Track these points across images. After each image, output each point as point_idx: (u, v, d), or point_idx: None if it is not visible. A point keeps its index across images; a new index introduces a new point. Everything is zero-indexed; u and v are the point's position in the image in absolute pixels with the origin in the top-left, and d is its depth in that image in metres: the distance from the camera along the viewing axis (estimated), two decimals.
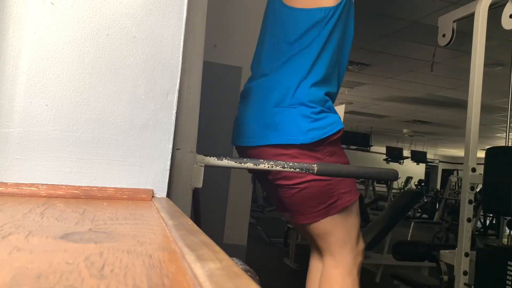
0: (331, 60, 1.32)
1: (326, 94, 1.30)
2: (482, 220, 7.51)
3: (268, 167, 1.13)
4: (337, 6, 1.28)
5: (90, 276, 0.30)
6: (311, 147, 1.24)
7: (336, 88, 1.38)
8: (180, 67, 0.80)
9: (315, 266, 1.51)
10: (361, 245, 1.41)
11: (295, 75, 1.28)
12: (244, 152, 1.37)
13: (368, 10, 3.99)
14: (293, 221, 1.49)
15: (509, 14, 2.24)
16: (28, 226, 0.45)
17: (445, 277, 2.64)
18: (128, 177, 0.77)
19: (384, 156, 12.43)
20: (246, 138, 1.34)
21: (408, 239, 4.93)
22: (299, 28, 1.30)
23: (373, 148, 13.83)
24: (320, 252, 1.49)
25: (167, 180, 0.79)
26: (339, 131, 1.28)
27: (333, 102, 1.35)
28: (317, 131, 1.24)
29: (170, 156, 0.79)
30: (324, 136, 1.25)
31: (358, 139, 11.51)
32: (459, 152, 15.44)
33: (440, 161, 18.19)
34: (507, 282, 2.08)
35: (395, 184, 11.14)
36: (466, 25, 2.59)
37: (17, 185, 0.70)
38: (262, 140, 1.28)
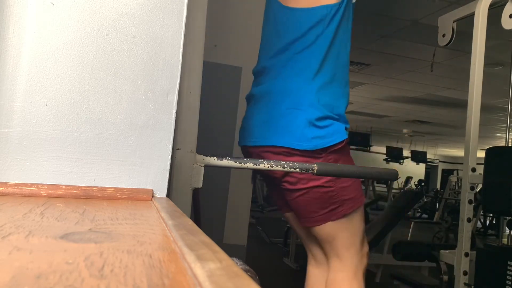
0: (339, 60, 1.31)
1: (336, 95, 1.29)
2: (482, 220, 7.51)
3: (268, 167, 1.13)
4: (340, 3, 1.27)
5: (90, 276, 0.30)
6: (314, 154, 1.24)
7: (347, 88, 1.37)
8: (180, 67, 0.80)
9: (313, 273, 1.52)
10: (366, 248, 1.41)
11: (301, 76, 1.27)
12: (247, 152, 1.37)
13: (368, 10, 3.99)
14: (296, 223, 1.49)
15: (509, 14, 2.24)
16: (28, 226, 0.45)
17: (445, 277, 2.64)
18: (128, 177, 0.77)
19: (384, 156, 12.43)
20: (251, 138, 1.34)
21: (408, 239, 4.93)
22: (301, 26, 1.28)
23: (373, 148, 13.83)
24: (316, 259, 1.49)
25: (167, 180, 0.79)
26: (341, 141, 1.27)
27: (346, 103, 1.34)
28: (320, 140, 1.24)
29: (170, 156, 0.79)
30: (326, 146, 1.24)
31: (358, 139, 11.50)
32: (459, 152, 15.44)
33: (440, 161, 18.19)
34: (507, 282, 2.08)
35: (395, 184, 11.14)
36: (466, 25, 2.59)
37: (17, 185, 0.70)
38: (265, 140, 1.28)
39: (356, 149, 11.98)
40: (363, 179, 8.45)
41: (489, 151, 2.30)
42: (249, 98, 1.42)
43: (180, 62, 0.80)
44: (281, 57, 1.32)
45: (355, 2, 1.37)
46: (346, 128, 1.31)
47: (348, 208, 1.32)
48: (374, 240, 3.71)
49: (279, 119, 1.27)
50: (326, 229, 1.34)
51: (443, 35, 2.62)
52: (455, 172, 11.60)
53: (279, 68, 1.31)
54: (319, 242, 1.44)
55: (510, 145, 2.63)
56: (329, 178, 1.27)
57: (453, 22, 2.57)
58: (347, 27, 1.34)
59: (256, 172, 1.62)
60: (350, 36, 1.37)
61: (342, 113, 1.31)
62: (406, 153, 12.88)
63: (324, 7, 1.26)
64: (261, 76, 1.38)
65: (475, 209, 5.22)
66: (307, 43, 1.27)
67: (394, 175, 1.28)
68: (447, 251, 2.44)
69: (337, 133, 1.26)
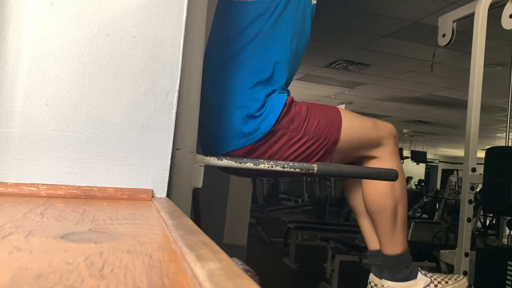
0: (280, 56, 1.27)
1: (274, 90, 1.25)
2: (482, 220, 7.50)
3: (268, 167, 1.13)
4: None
5: (90, 276, 0.30)
6: (270, 133, 1.22)
7: (285, 84, 1.32)
8: (180, 67, 0.80)
9: (365, 225, 1.48)
10: (386, 125, 1.37)
11: (239, 74, 1.24)
12: None
13: (368, 10, 3.99)
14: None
15: (509, 14, 2.24)
16: (28, 226, 0.45)
17: None
18: (128, 177, 0.77)
19: None
20: (209, 149, 1.29)
21: (408, 239, 4.93)
22: (242, 21, 1.25)
23: None
24: (361, 213, 1.46)
25: (167, 180, 0.79)
26: (283, 108, 1.22)
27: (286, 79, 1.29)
28: (262, 123, 1.20)
29: (170, 156, 0.79)
30: (271, 126, 1.21)
31: None
32: (459, 152, 15.44)
33: (440, 161, 18.18)
34: (507, 282, 2.08)
35: None
36: (466, 25, 2.59)
37: (17, 185, 0.70)
38: (221, 149, 1.24)
39: None
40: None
41: (489, 151, 2.30)
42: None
43: (180, 62, 0.80)
44: (221, 55, 1.29)
45: (315, 3, 1.34)
46: (284, 91, 1.27)
47: (335, 136, 1.28)
48: None
49: (225, 122, 1.23)
50: (341, 146, 1.29)
51: (443, 35, 2.63)
52: (455, 172, 11.59)
53: (219, 68, 1.28)
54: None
55: (510, 145, 2.63)
56: (294, 131, 1.24)
57: (453, 22, 2.57)
58: (293, 24, 1.29)
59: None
60: (298, 33, 1.32)
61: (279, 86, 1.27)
62: (406, 153, 12.87)
63: (263, 1, 1.24)
64: (206, 78, 1.34)
65: (475, 209, 5.22)
66: (247, 39, 1.25)
67: (394, 175, 1.27)
68: (447, 251, 2.44)
69: (274, 106, 1.22)
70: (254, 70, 1.24)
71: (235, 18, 1.28)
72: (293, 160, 1.26)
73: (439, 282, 1.35)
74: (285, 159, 1.25)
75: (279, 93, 1.25)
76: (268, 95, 1.24)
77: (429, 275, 1.36)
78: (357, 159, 1.39)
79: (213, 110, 1.27)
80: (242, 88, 1.24)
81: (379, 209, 1.34)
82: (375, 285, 1.39)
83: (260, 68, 1.25)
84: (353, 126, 1.33)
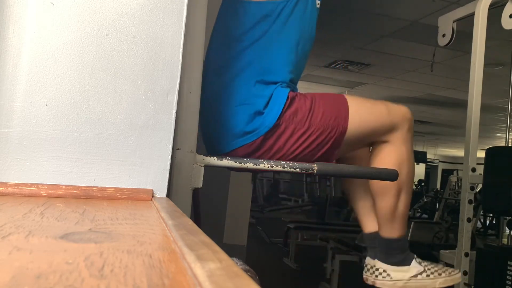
0: (285, 57, 1.27)
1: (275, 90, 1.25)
2: (482, 220, 7.50)
3: (268, 167, 1.13)
4: (287, 0, 1.24)
5: (90, 276, 0.30)
6: (275, 128, 1.22)
7: (289, 83, 1.31)
8: (180, 67, 0.80)
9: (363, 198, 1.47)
10: (401, 108, 1.33)
11: (245, 73, 1.24)
12: None
13: (368, 10, 3.99)
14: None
15: (509, 14, 2.24)
16: (28, 226, 0.45)
17: None
18: (128, 177, 0.77)
19: None
20: (215, 148, 1.29)
21: (408, 239, 4.93)
22: (249, 21, 1.25)
23: None
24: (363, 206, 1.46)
25: (167, 180, 0.79)
26: (285, 103, 1.22)
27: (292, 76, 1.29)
28: (265, 119, 1.20)
29: (170, 156, 0.79)
30: (275, 121, 1.20)
31: None
32: (459, 152, 15.44)
33: (440, 161, 18.17)
34: (507, 282, 2.08)
35: None
36: (466, 25, 2.59)
37: (17, 185, 0.70)
38: (227, 147, 1.24)
39: None
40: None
41: (489, 151, 2.30)
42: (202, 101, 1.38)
43: (180, 62, 0.80)
44: (226, 54, 1.28)
45: (319, 7, 1.34)
46: (287, 86, 1.26)
47: (343, 125, 1.26)
48: None
49: (231, 120, 1.23)
50: (350, 135, 1.28)
51: (443, 35, 2.63)
52: (455, 172, 11.59)
53: (224, 67, 1.28)
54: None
55: (510, 145, 2.63)
56: (300, 123, 1.23)
57: (453, 22, 2.57)
58: (300, 26, 1.29)
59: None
60: (304, 36, 1.31)
61: (284, 80, 1.27)
62: None
63: (271, 2, 1.23)
64: (208, 76, 1.31)
65: (475, 209, 5.22)
66: (253, 39, 1.24)
67: (394, 175, 1.27)
68: (447, 251, 2.44)
69: (277, 101, 1.22)
70: (260, 70, 1.24)
71: (242, 17, 1.27)
72: (300, 152, 1.24)
73: (432, 273, 1.35)
74: (292, 153, 1.24)
75: (281, 87, 1.25)
76: (272, 91, 1.23)
77: (424, 263, 1.36)
78: (369, 144, 1.38)
79: (217, 107, 1.27)
80: (246, 86, 1.24)
81: (383, 191, 1.33)
82: (370, 267, 1.39)
83: (266, 68, 1.25)
84: (361, 114, 1.29)
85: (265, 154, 1.24)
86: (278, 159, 1.25)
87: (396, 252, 1.35)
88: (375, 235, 1.40)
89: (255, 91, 1.23)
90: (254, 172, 2.14)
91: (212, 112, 1.26)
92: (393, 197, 1.33)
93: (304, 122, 1.23)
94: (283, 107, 1.22)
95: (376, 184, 1.34)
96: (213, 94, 1.26)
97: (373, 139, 1.34)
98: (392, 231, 1.35)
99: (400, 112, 1.33)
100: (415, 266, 1.35)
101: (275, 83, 1.25)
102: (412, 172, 1.37)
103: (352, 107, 1.28)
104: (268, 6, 1.24)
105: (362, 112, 1.30)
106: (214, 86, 1.26)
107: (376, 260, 1.37)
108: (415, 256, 1.38)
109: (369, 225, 1.44)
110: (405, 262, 1.35)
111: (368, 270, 1.39)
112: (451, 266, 2.32)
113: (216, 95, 1.26)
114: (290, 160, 1.25)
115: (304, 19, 1.30)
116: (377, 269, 1.36)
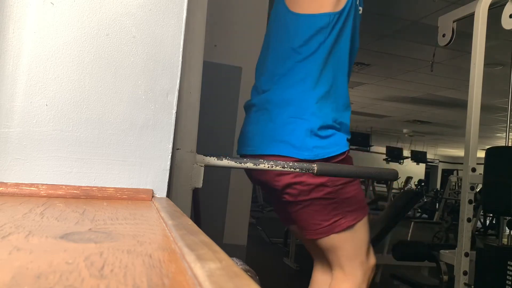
0: (339, 68, 1.30)
1: (337, 104, 1.29)
2: (482, 220, 7.50)
3: (268, 167, 1.13)
4: (341, 11, 1.26)
5: (90, 276, 0.30)
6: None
7: (348, 98, 1.36)
8: (180, 67, 0.80)
9: (318, 279, 1.51)
10: (372, 260, 1.40)
11: (302, 85, 1.26)
12: None
13: (368, 10, 3.98)
14: (301, 235, 1.49)
15: (509, 14, 2.24)
16: (28, 226, 0.45)
17: (445, 277, 2.64)
18: (128, 177, 0.77)
19: (384, 156, 12.42)
20: (250, 147, 1.33)
21: (408, 239, 4.93)
22: (303, 34, 1.27)
23: (373, 148, 13.83)
24: (323, 266, 1.49)
25: (167, 180, 0.79)
26: (342, 153, 1.26)
27: (349, 112, 1.33)
28: (321, 150, 1.23)
29: (170, 156, 0.79)
30: (327, 156, 1.24)
31: (358, 139, 11.50)
32: (459, 152, 15.43)
33: (440, 161, 18.18)
34: (507, 282, 2.08)
35: (395, 184, 11.14)
36: (466, 25, 2.59)
37: (17, 185, 0.70)
38: (266, 149, 1.27)
39: (356, 149, 11.98)
40: (363, 179, 8.46)
41: (489, 151, 2.30)
42: (249, 107, 1.40)
43: (180, 62, 0.80)
44: (283, 64, 1.31)
45: (361, 13, 1.36)
46: (347, 139, 1.30)
47: (352, 220, 1.31)
48: (374, 240, 3.71)
49: (280, 128, 1.26)
50: (330, 240, 1.33)
51: (443, 35, 2.62)
52: (455, 172, 11.59)
53: (281, 76, 1.31)
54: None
55: (510, 145, 2.63)
56: (330, 189, 1.27)
57: (453, 22, 2.57)
58: (351, 36, 1.32)
59: (256, 184, 1.61)
60: (354, 46, 1.35)
61: (345, 121, 1.30)
62: (406, 153, 12.87)
63: (326, 15, 1.25)
64: (262, 83, 1.37)
65: (475, 209, 5.22)
66: (310, 51, 1.27)
67: (394, 175, 1.27)
68: (447, 251, 2.44)
69: (338, 144, 1.26)
70: (317, 83, 1.26)
71: (298, 30, 1.30)
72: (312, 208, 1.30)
73: None
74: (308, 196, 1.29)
75: (344, 134, 1.29)
76: (333, 123, 1.27)
77: None
78: (334, 263, 1.41)
79: (268, 113, 1.30)
80: (305, 101, 1.26)
81: None
82: None
83: (323, 81, 1.27)
84: (362, 231, 1.38)
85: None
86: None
87: None
88: None
89: (313, 109, 1.25)
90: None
91: (261, 115, 1.31)
92: None
93: (334, 185, 1.28)
94: (337, 155, 1.26)
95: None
96: (264, 100, 1.32)
97: (339, 259, 1.38)
98: None
99: (373, 261, 1.42)
100: None
101: (333, 100, 1.28)
102: None
103: (365, 220, 1.38)
104: (323, 19, 1.26)
105: (363, 231, 1.39)
106: (270, 93, 1.31)
107: None
108: None
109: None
110: None
111: None
112: (451, 266, 2.32)
113: (269, 101, 1.30)
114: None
115: (354, 28, 1.33)
116: None
